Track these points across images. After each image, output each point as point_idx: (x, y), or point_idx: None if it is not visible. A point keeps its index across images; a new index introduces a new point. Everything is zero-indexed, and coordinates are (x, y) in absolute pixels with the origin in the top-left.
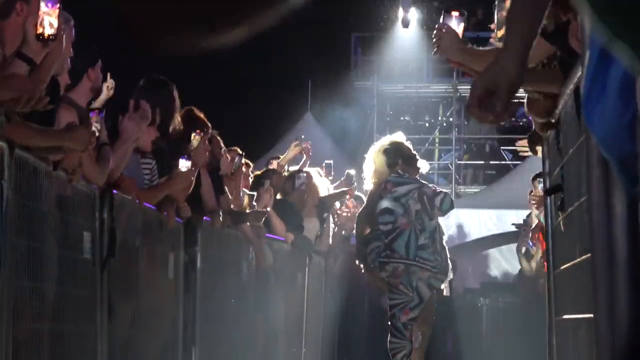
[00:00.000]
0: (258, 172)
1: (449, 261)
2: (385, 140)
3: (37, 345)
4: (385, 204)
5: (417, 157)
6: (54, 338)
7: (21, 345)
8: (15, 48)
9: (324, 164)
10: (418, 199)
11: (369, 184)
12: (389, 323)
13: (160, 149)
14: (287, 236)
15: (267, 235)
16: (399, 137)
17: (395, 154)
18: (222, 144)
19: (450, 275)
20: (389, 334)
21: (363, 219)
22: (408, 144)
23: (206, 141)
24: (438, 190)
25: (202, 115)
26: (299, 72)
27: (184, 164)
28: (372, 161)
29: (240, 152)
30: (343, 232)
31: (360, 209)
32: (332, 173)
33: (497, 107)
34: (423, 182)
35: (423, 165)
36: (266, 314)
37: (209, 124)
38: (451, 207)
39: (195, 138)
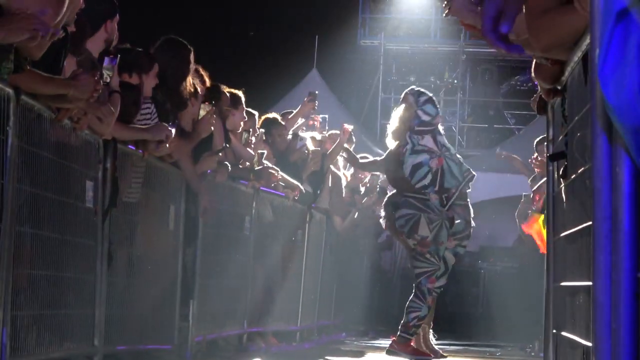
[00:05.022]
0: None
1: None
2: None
3: (36, 291)
4: (409, 162)
5: None
6: (53, 285)
7: (20, 291)
8: None
9: (320, 118)
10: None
11: (391, 142)
12: (415, 286)
13: (161, 99)
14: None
15: (268, 190)
16: None
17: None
18: (239, 102)
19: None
20: (412, 294)
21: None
22: None
23: (213, 115)
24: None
25: (227, 93)
26: (306, 29)
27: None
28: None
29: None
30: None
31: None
32: (327, 127)
33: None
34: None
35: None
36: (265, 269)
37: (228, 100)
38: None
39: (204, 109)
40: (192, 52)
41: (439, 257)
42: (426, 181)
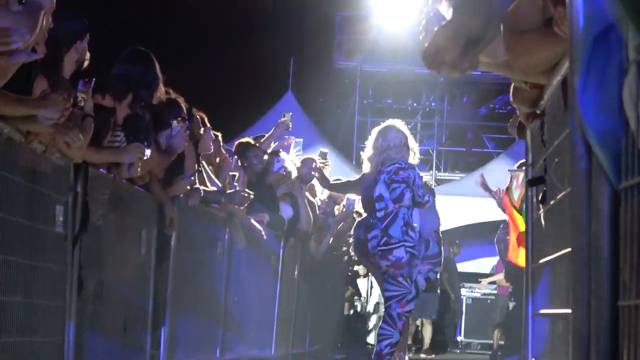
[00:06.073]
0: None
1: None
2: (398, 122)
3: (4, 318)
4: (378, 190)
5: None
6: (21, 311)
7: None
8: None
9: (319, 152)
10: (403, 180)
11: (367, 167)
12: (384, 311)
13: (139, 116)
14: (262, 216)
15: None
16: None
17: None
18: (203, 123)
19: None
20: (381, 320)
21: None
22: None
23: (186, 129)
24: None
25: (198, 116)
26: (281, 50)
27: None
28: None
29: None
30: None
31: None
32: (329, 161)
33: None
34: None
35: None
36: (239, 296)
37: (199, 122)
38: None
39: (175, 124)
40: (156, 63)
41: (411, 280)
42: (379, 214)
